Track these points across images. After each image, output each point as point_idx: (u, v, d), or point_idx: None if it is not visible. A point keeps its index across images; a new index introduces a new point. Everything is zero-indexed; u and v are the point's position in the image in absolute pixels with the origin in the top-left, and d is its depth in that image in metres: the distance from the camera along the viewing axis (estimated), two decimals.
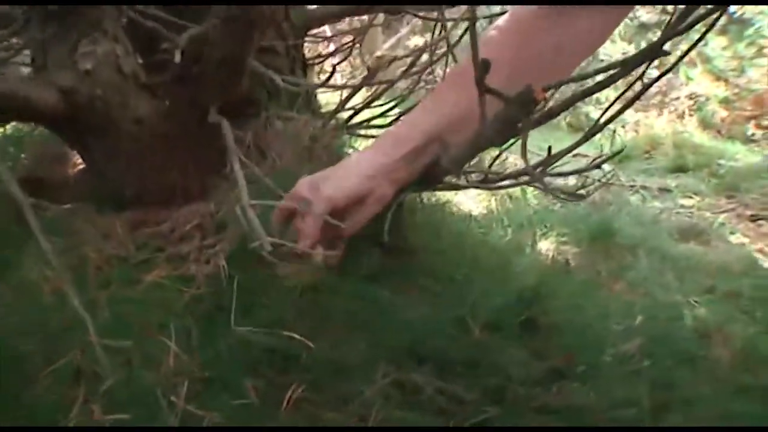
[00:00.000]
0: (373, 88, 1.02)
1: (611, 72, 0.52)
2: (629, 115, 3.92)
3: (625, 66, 0.51)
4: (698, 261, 1.38)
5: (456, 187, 0.72)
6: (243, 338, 0.57)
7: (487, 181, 0.75)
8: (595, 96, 0.68)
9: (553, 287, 0.85)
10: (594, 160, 0.73)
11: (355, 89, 0.90)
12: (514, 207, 1.41)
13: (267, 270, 0.61)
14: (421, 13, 1.04)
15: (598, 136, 0.67)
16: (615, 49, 4.10)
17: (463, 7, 0.91)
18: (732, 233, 2.05)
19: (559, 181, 1.40)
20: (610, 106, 0.64)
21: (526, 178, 0.75)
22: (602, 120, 0.62)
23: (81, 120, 0.73)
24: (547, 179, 0.68)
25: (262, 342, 0.56)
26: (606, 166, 3.23)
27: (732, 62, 3.74)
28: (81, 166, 0.88)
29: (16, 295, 0.58)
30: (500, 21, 0.69)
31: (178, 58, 0.62)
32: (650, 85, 0.60)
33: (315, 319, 0.57)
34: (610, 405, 0.60)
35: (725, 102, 3.66)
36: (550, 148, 0.69)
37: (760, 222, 2.27)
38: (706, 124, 3.71)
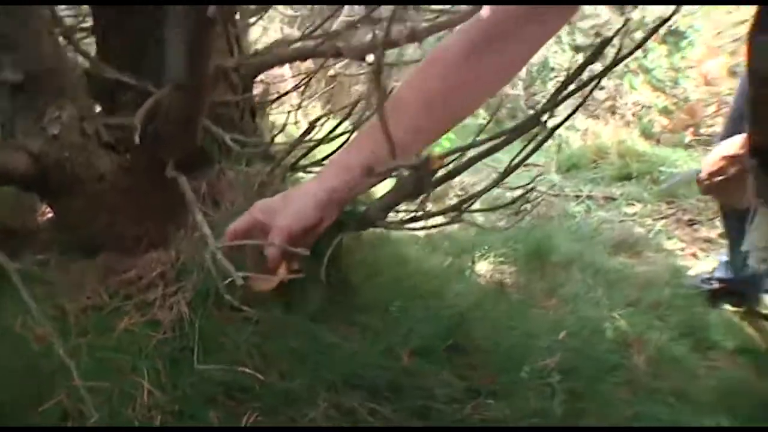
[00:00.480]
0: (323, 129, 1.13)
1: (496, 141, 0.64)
2: (579, 122, 4.07)
3: (510, 137, 0.63)
4: (628, 274, 1.52)
5: (388, 227, 0.83)
6: (205, 375, 0.66)
7: (416, 220, 0.86)
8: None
9: (485, 310, 0.97)
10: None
11: (297, 142, 0.99)
12: (458, 228, 1.52)
13: (224, 313, 0.70)
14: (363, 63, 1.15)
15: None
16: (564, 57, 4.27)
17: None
18: (669, 239, 2.22)
19: (507, 194, 1.51)
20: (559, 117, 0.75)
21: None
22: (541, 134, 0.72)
23: (50, 180, 0.82)
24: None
25: (221, 377, 0.66)
26: (555, 177, 3.39)
27: (670, 73, 3.96)
28: (50, 215, 0.96)
29: (2, 343, 0.66)
30: (431, 53, 0.78)
31: (137, 140, 0.71)
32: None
33: (265, 355, 0.67)
34: (523, 416, 0.71)
35: (665, 111, 3.87)
36: (472, 196, 0.81)
37: (696, 226, 2.45)
38: (647, 133, 3.92)
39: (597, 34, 3.82)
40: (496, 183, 0.80)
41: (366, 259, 0.88)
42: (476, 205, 0.85)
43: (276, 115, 1.52)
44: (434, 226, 0.88)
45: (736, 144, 1.00)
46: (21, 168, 0.79)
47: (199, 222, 0.72)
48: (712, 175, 1.04)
